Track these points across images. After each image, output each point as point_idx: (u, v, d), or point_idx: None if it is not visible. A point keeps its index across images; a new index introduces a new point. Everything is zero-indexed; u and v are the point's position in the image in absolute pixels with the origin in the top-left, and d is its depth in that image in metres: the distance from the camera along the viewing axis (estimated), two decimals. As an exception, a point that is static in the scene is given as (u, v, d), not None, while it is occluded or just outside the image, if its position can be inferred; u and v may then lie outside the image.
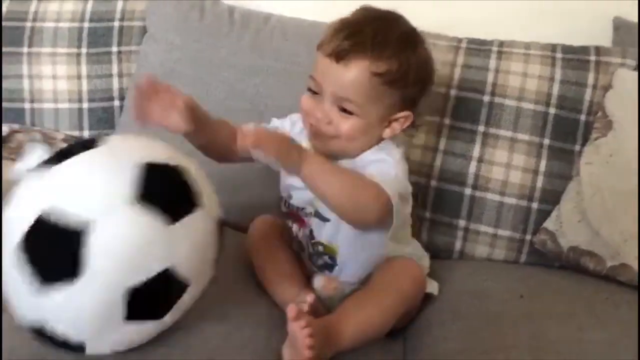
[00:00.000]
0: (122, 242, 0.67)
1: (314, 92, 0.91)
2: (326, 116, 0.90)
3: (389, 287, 0.92)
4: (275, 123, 1.07)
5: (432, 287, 1.04)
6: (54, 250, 0.65)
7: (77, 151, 0.71)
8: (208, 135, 0.94)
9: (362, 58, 0.86)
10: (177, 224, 0.70)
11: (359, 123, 0.89)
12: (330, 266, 0.99)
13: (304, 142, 0.94)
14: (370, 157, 0.93)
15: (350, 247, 0.97)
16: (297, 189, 0.96)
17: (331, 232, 0.96)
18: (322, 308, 0.94)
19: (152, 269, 0.69)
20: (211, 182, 0.82)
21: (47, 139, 1.32)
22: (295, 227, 1.03)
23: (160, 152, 0.76)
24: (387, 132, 0.94)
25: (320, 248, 0.99)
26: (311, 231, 0.99)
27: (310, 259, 1.02)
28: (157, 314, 0.73)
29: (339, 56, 0.86)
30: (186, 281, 0.73)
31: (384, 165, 0.90)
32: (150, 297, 0.70)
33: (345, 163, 0.93)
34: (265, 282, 1.00)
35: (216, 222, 0.79)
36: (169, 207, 0.70)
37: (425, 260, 1.08)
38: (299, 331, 0.78)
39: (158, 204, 0.68)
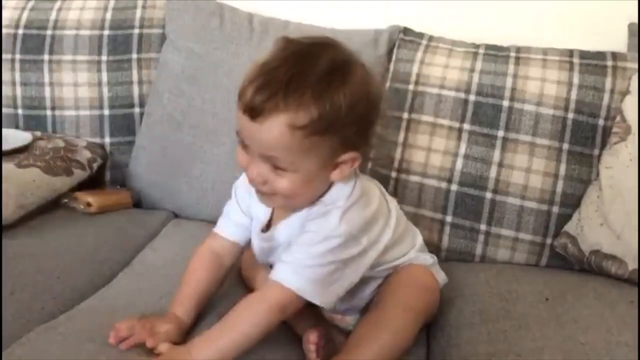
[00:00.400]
0: None
1: (245, 146, 0.80)
2: (259, 175, 0.79)
3: (399, 306, 0.88)
4: (235, 186, 0.98)
5: (439, 277, 1.01)
6: None
7: None
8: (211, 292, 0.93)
9: (277, 113, 0.73)
10: None
11: (296, 178, 0.78)
12: None
13: (259, 217, 0.92)
14: (314, 214, 0.84)
15: None
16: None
17: None
18: (334, 332, 0.92)
19: None
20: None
21: (69, 146, 1.33)
22: None
23: None
24: (335, 175, 0.82)
25: None
26: None
27: None
28: None
29: (252, 114, 0.74)
30: None
31: (316, 236, 0.81)
32: None
33: (298, 216, 0.85)
34: None
35: None
36: None
37: (428, 256, 1.02)
38: None
39: None
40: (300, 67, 0.75)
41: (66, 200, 1.26)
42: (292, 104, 0.73)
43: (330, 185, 0.84)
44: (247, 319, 0.79)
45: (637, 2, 1.33)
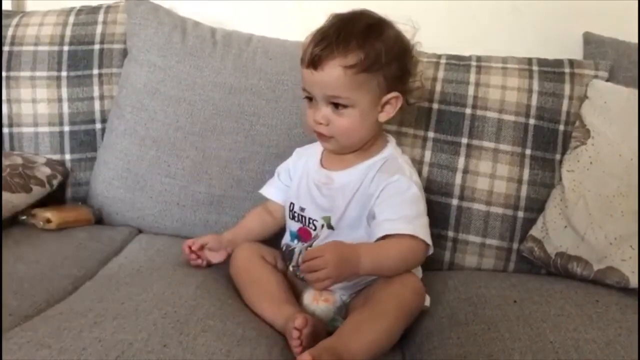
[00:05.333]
0: None
1: (310, 100, 1.02)
2: (324, 117, 1.00)
3: (392, 302, 0.93)
4: (282, 169, 1.18)
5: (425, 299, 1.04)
6: None
7: None
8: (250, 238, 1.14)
9: (332, 58, 0.96)
10: None
11: (355, 113, 0.99)
12: None
13: (313, 159, 1.11)
14: (386, 166, 1.03)
15: None
16: (312, 204, 1.06)
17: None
18: (318, 325, 0.92)
19: None
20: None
21: (28, 163, 1.30)
22: (290, 243, 1.06)
23: None
24: (382, 116, 1.03)
25: None
26: (312, 244, 1.02)
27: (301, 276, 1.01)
28: None
29: (314, 64, 0.97)
30: None
31: (402, 184, 1.00)
32: None
33: (360, 167, 1.04)
34: (251, 305, 0.99)
35: None
36: None
37: (418, 269, 1.08)
38: None
39: None
40: (345, 26, 0.98)
41: (24, 217, 1.23)
42: (342, 49, 0.95)
43: (380, 142, 1.07)
44: (402, 251, 0.97)
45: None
